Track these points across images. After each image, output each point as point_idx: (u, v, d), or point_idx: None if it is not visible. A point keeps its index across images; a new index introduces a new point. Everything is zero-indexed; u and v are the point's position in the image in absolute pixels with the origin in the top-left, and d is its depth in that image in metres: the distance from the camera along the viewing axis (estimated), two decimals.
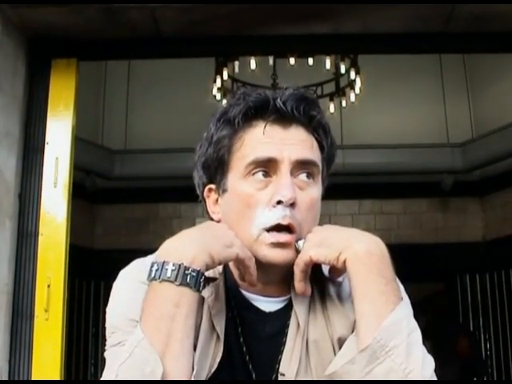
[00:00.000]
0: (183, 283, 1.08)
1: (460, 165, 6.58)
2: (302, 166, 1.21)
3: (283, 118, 1.21)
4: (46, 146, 3.13)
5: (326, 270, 1.27)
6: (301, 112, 1.21)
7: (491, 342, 6.79)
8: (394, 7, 2.92)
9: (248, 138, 1.22)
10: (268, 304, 1.26)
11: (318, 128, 1.25)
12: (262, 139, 1.20)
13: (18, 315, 2.95)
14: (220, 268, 1.24)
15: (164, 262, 1.09)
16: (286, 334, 1.23)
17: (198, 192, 1.34)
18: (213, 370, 1.16)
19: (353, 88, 5.91)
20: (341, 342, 1.18)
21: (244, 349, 1.22)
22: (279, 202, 1.17)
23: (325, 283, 1.28)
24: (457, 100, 6.94)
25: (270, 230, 1.18)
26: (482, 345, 6.80)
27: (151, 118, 6.83)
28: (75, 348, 6.28)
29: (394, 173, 6.65)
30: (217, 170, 1.25)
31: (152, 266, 1.10)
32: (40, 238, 3.04)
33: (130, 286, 1.22)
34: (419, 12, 2.99)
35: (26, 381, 2.91)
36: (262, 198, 1.19)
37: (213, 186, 1.28)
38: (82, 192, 6.01)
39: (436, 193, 6.93)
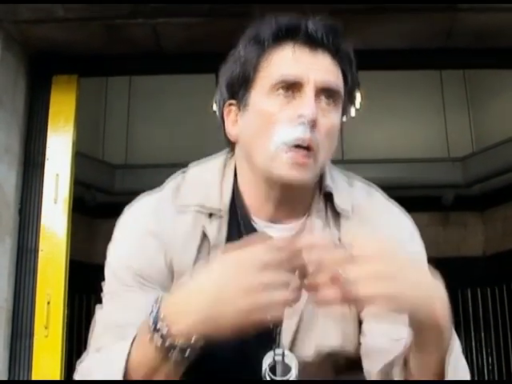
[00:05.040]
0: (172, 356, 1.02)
1: (461, 179, 6.57)
2: (325, 91, 1.20)
3: (312, 43, 1.20)
4: (46, 161, 3.13)
5: (341, 206, 1.27)
6: (330, 40, 1.21)
7: (493, 357, 6.75)
8: (394, 23, 2.93)
9: (276, 58, 1.21)
10: (280, 232, 1.24)
11: (344, 59, 1.24)
12: (290, 60, 1.20)
13: (17, 332, 2.93)
14: (227, 202, 1.25)
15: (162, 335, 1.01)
16: None
17: (217, 113, 1.32)
18: None
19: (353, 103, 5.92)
20: None
21: None
22: (301, 119, 1.15)
23: (337, 213, 1.27)
24: (457, 114, 6.95)
25: (288, 149, 1.16)
26: (484, 359, 6.77)
27: (152, 132, 6.83)
28: (75, 365, 6.23)
29: (395, 187, 6.62)
30: (241, 86, 1.24)
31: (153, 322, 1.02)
32: (40, 253, 3.04)
33: (135, 235, 1.24)
34: (419, 28, 2.99)
35: (26, 381, 2.90)
36: (283, 116, 1.18)
37: (234, 102, 1.27)
38: (82, 206, 5.99)
39: (437, 207, 6.91)
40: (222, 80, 1.29)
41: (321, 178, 1.29)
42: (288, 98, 1.19)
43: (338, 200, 1.27)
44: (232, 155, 1.32)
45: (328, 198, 1.28)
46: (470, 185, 6.64)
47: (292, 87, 1.18)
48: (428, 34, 3.04)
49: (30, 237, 3.06)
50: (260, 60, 1.22)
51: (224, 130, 1.29)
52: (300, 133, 1.15)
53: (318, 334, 1.20)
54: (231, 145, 1.30)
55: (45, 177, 3.12)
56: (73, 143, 3.18)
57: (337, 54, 1.23)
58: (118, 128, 6.89)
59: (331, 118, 1.22)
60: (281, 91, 1.19)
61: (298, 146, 1.15)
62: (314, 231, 1.23)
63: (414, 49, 3.13)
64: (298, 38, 1.20)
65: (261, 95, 1.21)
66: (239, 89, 1.24)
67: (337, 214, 1.27)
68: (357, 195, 1.31)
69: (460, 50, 3.15)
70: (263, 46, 1.22)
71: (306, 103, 1.16)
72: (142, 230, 1.23)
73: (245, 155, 1.26)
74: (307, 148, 1.16)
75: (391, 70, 3.93)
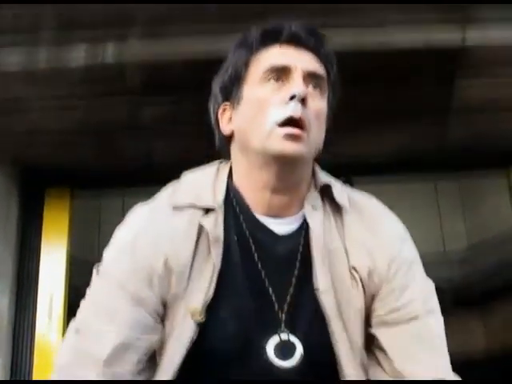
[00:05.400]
0: None
1: (458, 279, 6.50)
2: (312, 77, 1.29)
3: (297, 42, 1.31)
4: (39, 283, 3.09)
5: (339, 198, 1.32)
6: (312, 40, 1.32)
7: None
8: (388, 133, 2.99)
9: (264, 54, 1.31)
10: (280, 226, 1.29)
11: (326, 56, 1.33)
12: (277, 53, 1.30)
13: None
14: (220, 199, 1.29)
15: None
16: (297, 258, 1.26)
17: (212, 118, 1.38)
18: (210, 294, 1.19)
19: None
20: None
21: (259, 266, 1.25)
22: (292, 98, 1.23)
23: (335, 207, 1.33)
24: (452, 215, 6.97)
25: (282, 125, 1.23)
26: None
27: None
28: None
29: None
30: (233, 84, 1.33)
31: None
32: (34, 372, 2.96)
33: (129, 249, 1.27)
34: (412, 138, 3.06)
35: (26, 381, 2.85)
36: (275, 100, 1.25)
37: (227, 103, 1.35)
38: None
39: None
40: (215, 87, 1.38)
41: (314, 175, 1.35)
42: (278, 85, 1.27)
43: (336, 193, 1.33)
44: (225, 163, 1.38)
45: (325, 192, 1.33)
46: (469, 284, 6.56)
47: (281, 75, 1.28)
48: (420, 146, 3.12)
49: (24, 358, 2.99)
50: (249, 58, 1.32)
51: (219, 132, 1.36)
52: (292, 109, 1.22)
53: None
54: (226, 142, 1.36)
55: (38, 298, 3.08)
56: (67, 260, 3.16)
57: (319, 52, 1.32)
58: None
59: (319, 102, 1.30)
60: (271, 80, 1.28)
61: (290, 122, 1.22)
62: (315, 226, 1.28)
63: (407, 158, 3.21)
64: (282, 38, 1.31)
65: (253, 86, 1.30)
66: (232, 88, 1.33)
67: (336, 208, 1.33)
68: (351, 192, 1.38)
69: (453, 157, 3.19)
70: (251, 48, 1.33)
71: (296, 84, 1.25)
72: (134, 241, 1.27)
73: (241, 145, 1.32)
74: (299, 123, 1.23)
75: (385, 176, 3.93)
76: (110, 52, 2.65)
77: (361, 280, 1.25)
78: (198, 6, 2.49)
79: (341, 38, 2.49)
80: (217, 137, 1.38)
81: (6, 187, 3.18)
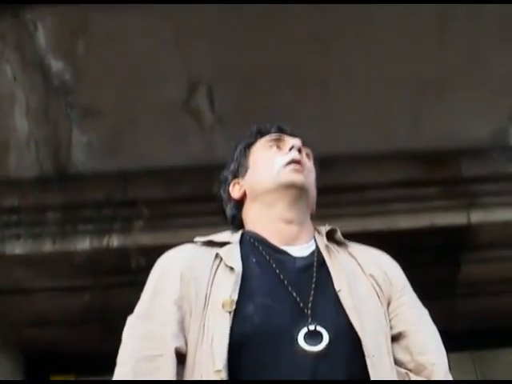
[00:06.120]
0: None
1: None
2: (303, 149, 1.69)
3: (284, 131, 1.73)
4: None
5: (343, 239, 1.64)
6: (295, 135, 1.72)
7: None
8: None
9: (262, 139, 1.73)
10: (295, 251, 1.54)
11: (305, 142, 1.72)
12: (272, 134, 1.73)
13: None
14: (236, 238, 1.58)
15: None
16: (314, 270, 1.48)
17: (223, 197, 1.76)
18: (236, 291, 1.38)
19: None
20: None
21: (281, 277, 1.45)
22: (291, 149, 1.64)
23: (341, 246, 1.62)
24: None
25: (286, 165, 1.61)
26: None
27: None
28: None
29: None
30: (240, 164, 1.73)
31: None
32: None
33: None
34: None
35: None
36: (278, 154, 1.66)
37: (236, 179, 1.72)
38: None
39: None
40: (224, 177, 1.77)
41: (315, 228, 1.66)
42: (278, 149, 1.68)
43: (340, 235, 1.63)
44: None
45: (329, 235, 1.62)
46: None
47: (279, 144, 1.69)
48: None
49: None
50: (252, 143, 1.74)
51: (231, 201, 1.72)
52: (292, 155, 1.63)
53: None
54: (238, 207, 1.70)
55: None
56: None
57: (304, 142, 1.71)
58: None
59: (309, 162, 1.70)
60: (273, 147, 1.69)
61: (293, 162, 1.61)
62: (331, 249, 1.55)
63: None
64: (273, 129, 1.73)
65: (257, 153, 1.71)
66: (239, 167, 1.72)
67: (342, 246, 1.62)
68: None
69: (462, 333, 3.08)
70: (250, 139, 1.75)
71: (292, 140, 1.67)
72: (164, 269, 1.55)
73: (253, 195, 1.65)
74: (299, 162, 1.62)
75: None
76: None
77: (378, 285, 1.50)
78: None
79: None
80: (229, 208, 1.73)
81: (10, 374, 3.12)
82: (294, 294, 1.41)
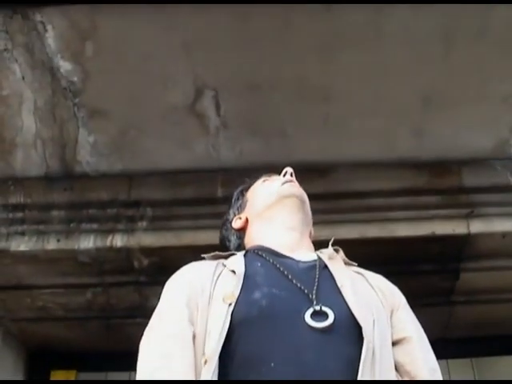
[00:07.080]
0: None
1: None
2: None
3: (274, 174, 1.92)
4: None
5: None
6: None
7: None
8: None
9: (255, 184, 1.94)
10: (298, 257, 1.62)
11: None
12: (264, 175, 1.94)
13: None
14: (241, 252, 1.66)
15: None
16: (316, 270, 1.55)
17: (229, 232, 1.90)
18: (239, 287, 1.44)
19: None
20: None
21: (285, 273, 1.51)
22: (285, 174, 1.84)
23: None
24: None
25: (283, 184, 1.81)
26: None
27: None
28: None
29: None
30: (239, 204, 1.91)
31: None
32: None
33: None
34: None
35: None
36: (273, 183, 1.85)
37: (237, 215, 1.88)
38: None
39: None
40: (225, 219, 1.92)
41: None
42: (272, 181, 1.86)
43: (343, 254, 1.70)
44: None
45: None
46: None
47: (270, 178, 1.89)
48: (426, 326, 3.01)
49: None
50: (246, 187, 1.94)
51: (235, 232, 1.86)
52: (287, 177, 1.84)
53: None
54: (241, 234, 1.84)
55: None
56: None
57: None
58: None
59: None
60: (266, 181, 1.89)
61: (288, 181, 1.82)
62: (334, 259, 1.64)
63: None
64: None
65: (253, 189, 1.90)
66: (239, 206, 1.90)
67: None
68: None
69: (460, 340, 3.10)
70: (245, 185, 1.94)
71: (285, 168, 1.87)
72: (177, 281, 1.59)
73: (255, 214, 1.80)
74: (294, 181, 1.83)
75: None
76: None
77: (381, 291, 1.57)
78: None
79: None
80: (233, 241, 1.85)
81: (12, 369, 3.15)
82: (299, 285, 1.46)
